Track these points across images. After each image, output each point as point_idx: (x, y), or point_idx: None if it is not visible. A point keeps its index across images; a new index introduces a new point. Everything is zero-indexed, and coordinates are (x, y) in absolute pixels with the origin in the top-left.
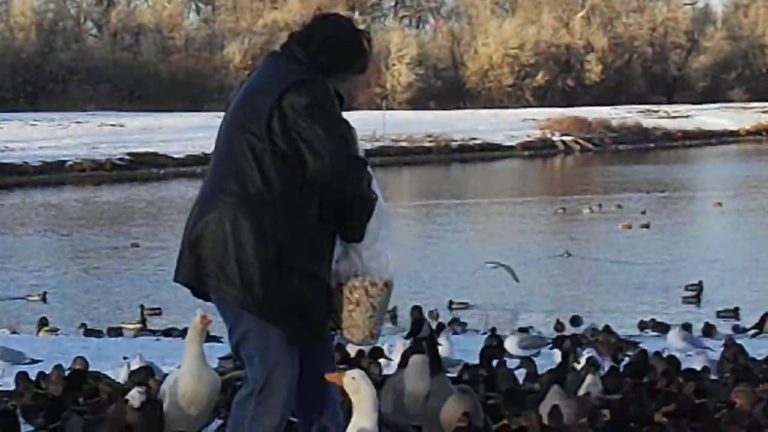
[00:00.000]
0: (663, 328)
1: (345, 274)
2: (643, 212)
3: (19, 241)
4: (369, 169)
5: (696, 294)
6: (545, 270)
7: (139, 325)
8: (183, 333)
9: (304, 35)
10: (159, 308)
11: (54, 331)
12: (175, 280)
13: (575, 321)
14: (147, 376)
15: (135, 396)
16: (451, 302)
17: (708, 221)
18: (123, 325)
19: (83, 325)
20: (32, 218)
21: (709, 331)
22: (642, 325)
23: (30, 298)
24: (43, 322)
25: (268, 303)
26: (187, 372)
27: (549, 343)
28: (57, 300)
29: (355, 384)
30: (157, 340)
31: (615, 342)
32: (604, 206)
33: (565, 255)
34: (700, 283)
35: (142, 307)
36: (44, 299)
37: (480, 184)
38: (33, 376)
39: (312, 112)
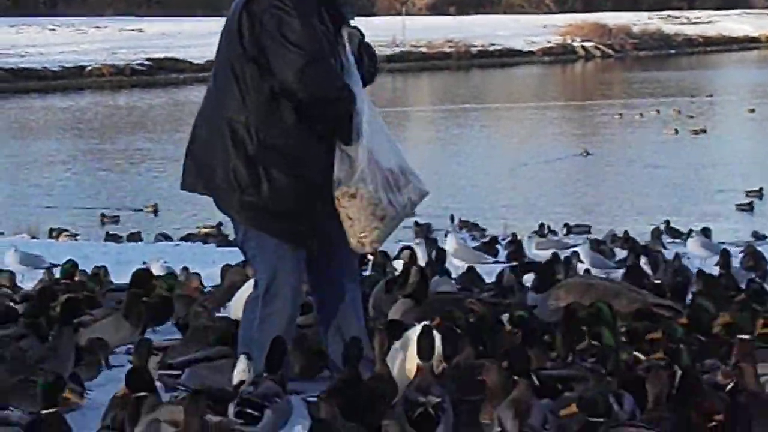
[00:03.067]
0: (677, 234)
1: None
2: (691, 117)
3: (62, 145)
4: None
5: (751, 202)
6: (572, 171)
7: (212, 230)
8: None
9: None
10: (117, 216)
11: (74, 236)
12: (182, 189)
13: (569, 229)
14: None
15: None
16: None
17: (746, 127)
18: (197, 229)
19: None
20: (79, 124)
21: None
22: (656, 233)
23: (146, 209)
24: (60, 231)
25: (251, 207)
26: None
27: (568, 246)
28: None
29: None
30: (177, 245)
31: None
32: (662, 111)
33: (584, 154)
34: (761, 189)
35: (102, 215)
36: (155, 211)
37: (501, 89)
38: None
39: (274, 12)
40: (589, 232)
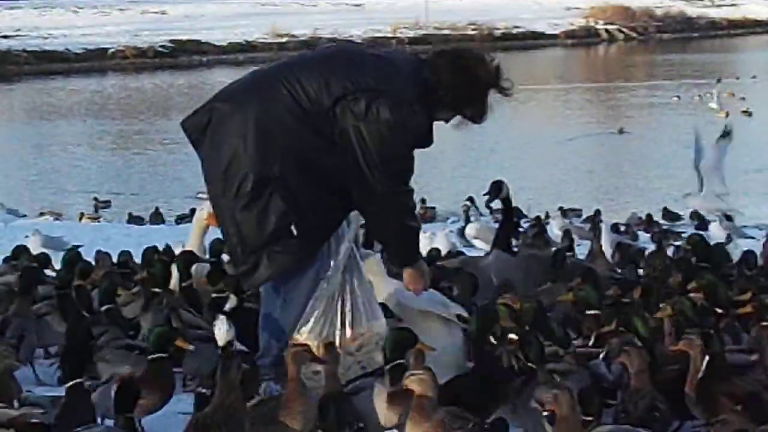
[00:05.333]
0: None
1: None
2: (743, 98)
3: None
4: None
5: None
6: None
7: None
8: None
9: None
10: (109, 201)
11: (96, 218)
12: (181, 124)
13: (564, 212)
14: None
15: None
16: None
17: None
18: None
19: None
20: (102, 106)
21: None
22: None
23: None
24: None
25: (226, 213)
26: None
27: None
28: None
29: None
30: None
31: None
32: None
33: (618, 132)
34: None
35: (95, 199)
36: None
37: (527, 71)
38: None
39: (387, 128)
40: (579, 216)
